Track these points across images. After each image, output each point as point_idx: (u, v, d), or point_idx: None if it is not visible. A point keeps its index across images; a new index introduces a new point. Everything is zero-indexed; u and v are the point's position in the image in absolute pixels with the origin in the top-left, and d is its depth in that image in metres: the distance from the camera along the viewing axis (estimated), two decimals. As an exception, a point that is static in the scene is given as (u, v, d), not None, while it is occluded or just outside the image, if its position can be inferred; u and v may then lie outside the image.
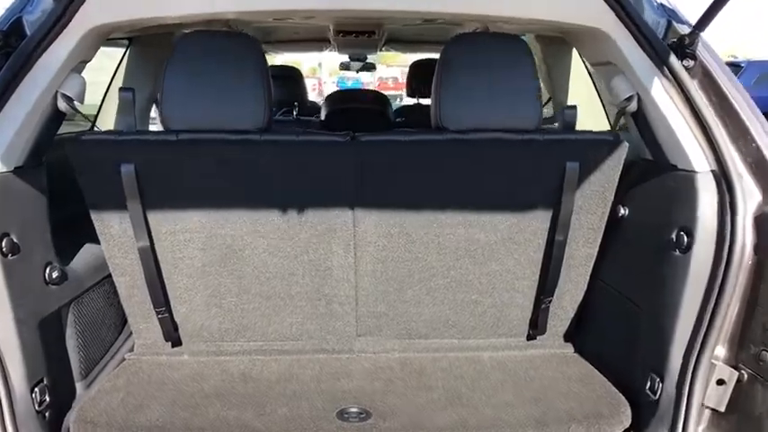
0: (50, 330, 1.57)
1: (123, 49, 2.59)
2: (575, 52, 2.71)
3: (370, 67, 5.00)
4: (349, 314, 1.93)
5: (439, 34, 4.08)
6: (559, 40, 2.70)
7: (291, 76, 3.98)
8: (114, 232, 1.71)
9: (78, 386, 1.70)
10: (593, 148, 1.66)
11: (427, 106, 4.36)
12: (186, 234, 1.73)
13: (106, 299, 1.87)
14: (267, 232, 1.74)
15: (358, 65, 4.72)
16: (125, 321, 1.99)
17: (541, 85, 2.87)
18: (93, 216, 1.67)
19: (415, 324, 1.96)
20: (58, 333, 1.62)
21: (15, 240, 1.44)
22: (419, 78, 4.01)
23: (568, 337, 2.03)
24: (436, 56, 4.38)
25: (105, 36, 1.72)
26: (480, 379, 1.79)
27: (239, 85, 1.60)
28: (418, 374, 1.82)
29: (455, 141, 1.62)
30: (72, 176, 1.76)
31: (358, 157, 1.61)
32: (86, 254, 1.77)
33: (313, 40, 4.20)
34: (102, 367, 1.83)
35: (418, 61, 4.02)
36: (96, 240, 1.77)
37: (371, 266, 1.83)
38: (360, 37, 3.56)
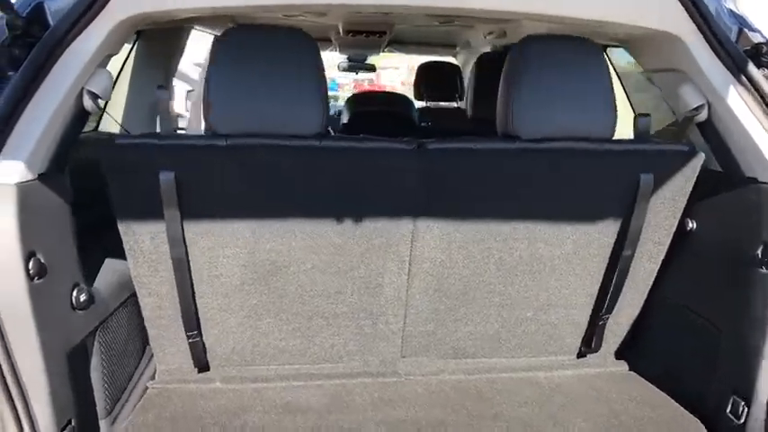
0: (77, 363, 1.38)
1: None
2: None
3: (371, 68, 4.83)
4: (395, 334, 1.79)
5: (448, 37, 3.97)
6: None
7: None
8: (145, 247, 1.52)
9: (102, 424, 1.49)
10: (668, 159, 1.56)
11: (444, 109, 4.26)
12: (227, 249, 1.55)
13: (129, 322, 1.68)
14: (318, 247, 1.57)
15: (356, 66, 4.54)
16: (145, 345, 1.80)
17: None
18: (122, 229, 1.48)
19: (463, 343, 1.83)
20: (84, 365, 1.43)
21: (42, 260, 1.24)
22: (429, 81, 3.88)
23: (619, 354, 1.93)
24: (442, 58, 4.34)
25: (135, 28, 1.54)
26: (545, 403, 1.67)
27: (295, 86, 1.44)
28: (478, 400, 1.69)
29: (528, 151, 1.48)
30: (91, 183, 1.56)
31: (424, 167, 1.47)
32: (110, 272, 1.57)
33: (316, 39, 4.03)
34: (125, 399, 1.63)
35: (427, 63, 3.89)
36: (120, 255, 1.58)
37: (425, 284, 1.68)
38: (370, 37, 3.42)
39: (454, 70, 3.89)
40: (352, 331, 1.77)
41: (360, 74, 5.96)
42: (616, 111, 1.53)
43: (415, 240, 1.60)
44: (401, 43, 3.98)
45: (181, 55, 2.59)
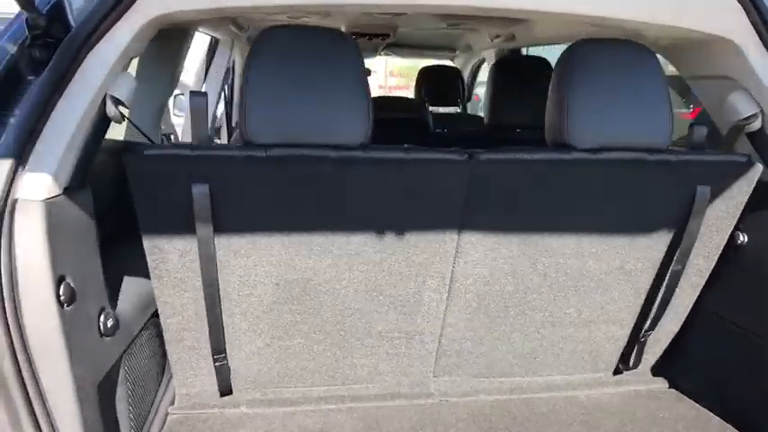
0: (105, 393, 1.25)
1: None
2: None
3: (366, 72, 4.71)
4: (430, 353, 1.70)
5: (448, 40, 3.90)
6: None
7: None
8: (171, 266, 1.40)
9: None
10: (725, 171, 1.49)
11: (456, 115, 4.16)
12: (261, 267, 1.44)
13: (149, 345, 1.55)
14: (355, 264, 1.47)
15: None
16: (163, 368, 1.68)
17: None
18: (148, 246, 1.37)
19: (497, 361, 1.75)
20: (112, 394, 1.30)
21: (72, 285, 1.12)
22: (431, 85, 3.79)
23: (657, 370, 1.87)
24: (440, 62, 4.26)
25: (160, 27, 1.42)
26: (594, 428, 1.59)
27: (339, 92, 1.33)
28: (523, 423, 1.61)
29: (583, 162, 1.41)
30: (108, 196, 1.44)
31: (474, 178, 1.38)
32: (132, 293, 1.45)
33: None
34: (148, 428, 1.50)
35: (429, 67, 3.80)
36: (140, 274, 1.46)
37: (464, 301, 1.60)
38: (373, 39, 3.33)
39: (456, 74, 3.82)
40: (386, 351, 1.67)
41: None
42: (672, 119, 1.46)
43: (459, 256, 1.52)
44: (399, 46, 3.89)
45: (185, 58, 2.46)
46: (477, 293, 1.59)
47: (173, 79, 2.32)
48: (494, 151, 1.39)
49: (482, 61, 4.24)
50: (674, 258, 1.56)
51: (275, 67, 1.32)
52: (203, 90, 3.24)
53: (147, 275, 1.47)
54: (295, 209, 1.38)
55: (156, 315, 1.55)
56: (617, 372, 1.85)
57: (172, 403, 1.65)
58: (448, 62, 4.38)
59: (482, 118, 4.20)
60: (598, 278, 1.60)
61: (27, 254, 1.05)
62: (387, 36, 3.28)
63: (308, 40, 1.35)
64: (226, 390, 1.65)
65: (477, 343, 1.70)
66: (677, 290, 1.63)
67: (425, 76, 3.81)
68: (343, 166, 1.33)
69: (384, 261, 1.49)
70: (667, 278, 1.60)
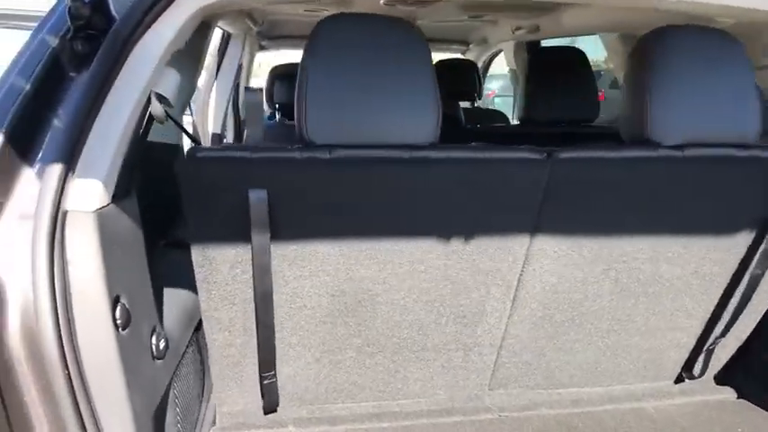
0: (157, 421, 1.14)
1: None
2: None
3: None
4: (487, 366, 1.60)
5: (463, 33, 3.78)
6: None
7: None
8: (221, 278, 1.29)
9: None
10: None
11: (475, 109, 4.02)
12: (315, 278, 1.33)
13: (193, 363, 1.44)
14: (416, 273, 1.37)
15: None
16: (203, 386, 1.56)
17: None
18: (197, 257, 1.25)
19: (556, 372, 1.65)
20: (161, 421, 1.19)
21: (127, 306, 1.01)
22: (447, 79, 3.66)
23: (721, 379, 1.78)
24: (453, 55, 4.14)
25: (203, 18, 1.30)
26: None
27: (408, 87, 1.22)
28: None
29: (669, 159, 1.30)
30: (151, 203, 1.33)
31: (552, 179, 1.27)
32: (177, 308, 1.34)
33: None
34: None
35: (444, 61, 3.67)
36: (186, 286, 1.35)
37: (529, 311, 1.50)
38: None
39: (472, 68, 3.70)
40: (441, 365, 1.57)
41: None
42: (762, 112, 1.36)
43: (528, 263, 1.41)
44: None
45: (206, 54, 2.33)
46: (542, 302, 1.49)
47: (195, 77, 2.20)
48: (572, 149, 1.29)
49: (496, 54, 4.13)
50: (755, 261, 1.47)
51: (338, 60, 1.20)
52: (213, 85, 3.11)
53: (191, 288, 1.36)
54: (357, 214, 1.27)
55: (197, 329, 1.44)
56: (678, 380, 1.76)
57: (213, 423, 1.54)
58: (458, 55, 4.28)
59: (503, 113, 4.10)
60: (670, 283, 1.51)
61: (80, 272, 0.93)
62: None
63: (372, 29, 1.24)
64: (271, 407, 1.54)
65: (537, 354, 1.60)
66: (753, 295, 1.54)
67: (440, 70, 3.67)
68: (414, 167, 1.22)
69: (449, 269, 1.38)
70: (746, 283, 1.51)
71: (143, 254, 1.13)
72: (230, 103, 3.27)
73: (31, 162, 1.00)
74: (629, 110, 1.36)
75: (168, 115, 1.21)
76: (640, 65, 1.34)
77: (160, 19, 1.11)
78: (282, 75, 3.56)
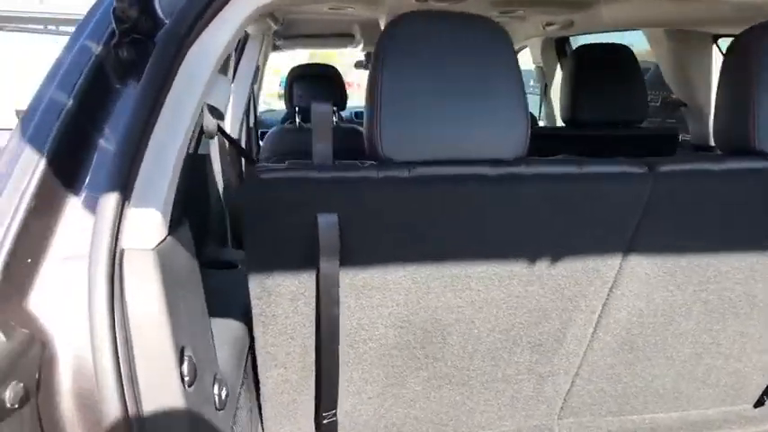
0: None
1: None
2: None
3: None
4: (558, 394, 1.46)
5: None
6: (699, 34, 2.34)
7: (327, 76, 3.33)
8: (281, 311, 1.15)
9: None
10: None
11: None
12: (384, 308, 1.19)
13: (245, 404, 1.30)
14: (494, 300, 1.23)
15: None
16: (253, 428, 1.42)
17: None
18: (256, 288, 1.11)
19: (630, 398, 1.52)
20: None
21: (193, 358, 0.86)
22: None
23: None
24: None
25: (255, 19, 1.16)
26: None
27: (494, 96, 1.08)
28: None
29: None
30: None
31: (654, 193, 1.13)
32: (228, 345, 1.19)
33: (338, 35, 3.65)
34: None
35: None
36: (239, 319, 1.21)
37: (610, 337, 1.36)
38: None
39: None
40: (511, 395, 1.43)
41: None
42: None
43: (615, 287, 1.27)
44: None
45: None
46: (625, 327, 1.35)
47: (246, 84, 2.05)
48: (672, 162, 1.15)
49: (519, 50, 3.99)
50: None
51: (416, 66, 1.06)
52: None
53: (239, 319, 1.22)
54: (434, 238, 1.13)
55: (248, 366, 1.30)
56: (758, 404, 1.62)
57: None
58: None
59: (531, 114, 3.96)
60: (764, 303, 1.37)
61: (143, 322, 0.79)
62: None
63: (452, 29, 1.09)
64: None
65: (613, 380, 1.47)
66: None
67: None
68: (502, 185, 1.08)
69: (530, 295, 1.24)
70: None
71: (201, 292, 0.99)
72: (249, 107, 3.13)
73: (77, 190, 0.86)
74: (728, 117, 1.22)
75: (221, 130, 1.06)
76: (742, 66, 1.20)
77: (214, 22, 0.97)
78: (302, 76, 3.41)
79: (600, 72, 2.22)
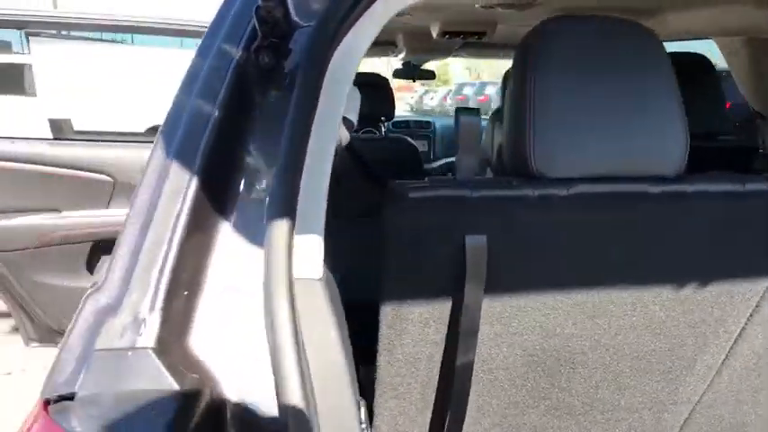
0: None
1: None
2: None
3: (430, 75, 4.32)
4: (677, 422, 1.36)
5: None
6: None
7: (376, 85, 3.22)
8: (410, 339, 1.05)
9: None
10: None
11: None
12: (517, 336, 1.09)
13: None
14: (630, 327, 1.13)
15: (412, 71, 4.03)
16: None
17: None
18: (388, 314, 1.00)
19: (750, 428, 1.42)
20: None
21: (361, 402, 0.76)
22: None
23: None
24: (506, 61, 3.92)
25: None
26: None
27: (652, 108, 0.99)
28: None
29: None
30: None
31: None
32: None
33: (379, 43, 3.57)
34: None
35: None
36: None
37: (741, 363, 1.27)
38: (467, 38, 2.97)
39: None
40: (629, 425, 1.33)
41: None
42: None
43: (757, 311, 1.18)
44: (477, 46, 3.52)
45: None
46: (757, 353, 1.26)
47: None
48: None
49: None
50: None
51: (571, 75, 0.96)
52: None
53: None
54: (582, 261, 1.03)
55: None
56: None
57: None
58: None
59: None
60: None
61: (321, 364, 0.69)
62: (483, 34, 2.92)
63: (606, 36, 1.00)
64: None
65: (735, 408, 1.37)
66: None
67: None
68: (662, 204, 0.99)
69: (669, 321, 1.14)
70: None
71: (345, 322, 0.89)
72: None
73: (227, 215, 0.76)
74: None
75: (351, 144, 0.97)
76: None
77: (358, 25, 0.88)
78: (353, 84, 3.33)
79: (679, 84, 2.13)
